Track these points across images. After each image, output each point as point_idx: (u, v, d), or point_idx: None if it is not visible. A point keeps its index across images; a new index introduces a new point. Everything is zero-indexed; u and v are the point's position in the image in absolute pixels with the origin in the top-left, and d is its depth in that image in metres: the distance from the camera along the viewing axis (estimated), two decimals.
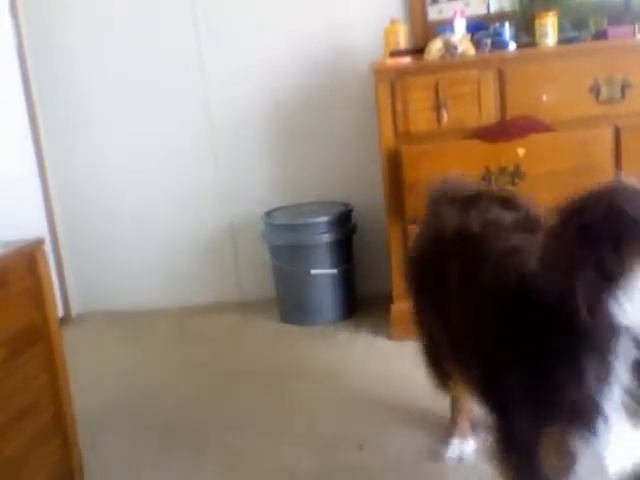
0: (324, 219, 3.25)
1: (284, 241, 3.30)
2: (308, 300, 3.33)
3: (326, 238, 3.25)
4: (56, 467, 2.04)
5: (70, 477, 2.09)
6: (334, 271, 3.30)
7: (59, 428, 2.05)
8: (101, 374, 3.01)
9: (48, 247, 3.51)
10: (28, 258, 1.91)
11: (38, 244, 1.94)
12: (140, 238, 3.78)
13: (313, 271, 3.27)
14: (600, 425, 1.14)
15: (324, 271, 3.28)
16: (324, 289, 3.31)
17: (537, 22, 2.84)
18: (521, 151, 2.72)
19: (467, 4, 3.18)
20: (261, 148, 3.59)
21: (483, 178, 2.75)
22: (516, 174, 2.74)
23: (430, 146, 2.82)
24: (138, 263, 3.81)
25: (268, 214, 3.43)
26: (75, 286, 3.85)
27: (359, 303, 3.41)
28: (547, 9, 2.84)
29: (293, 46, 3.44)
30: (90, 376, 2.86)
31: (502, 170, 2.75)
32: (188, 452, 2.28)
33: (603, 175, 2.71)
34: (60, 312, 3.64)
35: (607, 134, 2.71)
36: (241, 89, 3.54)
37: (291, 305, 3.39)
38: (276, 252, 3.38)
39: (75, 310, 3.85)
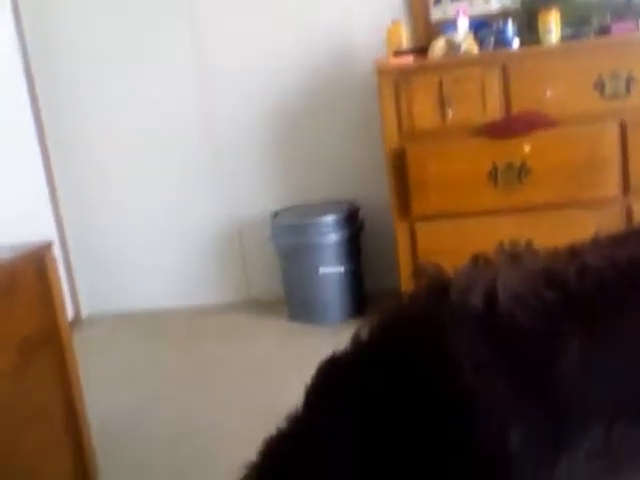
0: (331, 218, 3.26)
1: (291, 241, 3.31)
2: (316, 299, 3.34)
3: (333, 237, 3.26)
4: (70, 470, 2.06)
5: (85, 477, 2.11)
6: (341, 270, 3.31)
7: (72, 431, 2.06)
8: (112, 376, 3.02)
9: (57, 249, 3.54)
10: (37, 262, 1.92)
11: (47, 247, 1.95)
12: (149, 240, 3.80)
13: (321, 270, 3.28)
14: None
15: (332, 270, 3.29)
16: (332, 288, 3.32)
17: (540, 19, 2.84)
18: (527, 147, 2.72)
19: (470, 4, 3.18)
20: (266, 149, 3.60)
21: (489, 175, 2.76)
22: (522, 170, 2.74)
23: (435, 144, 2.83)
24: (147, 265, 3.83)
25: (275, 214, 3.44)
26: (84, 288, 3.88)
27: (367, 301, 3.42)
28: (549, 6, 2.84)
29: (296, 47, 3.44)
30: (101, 378, 2.87)
31: (508, 166, 2.75)
32: (201, 453, 2.30)
33: (609, 170, 2.71)
34: (70, 314, 3.66)
35: (612, 129, 2.70)
36: (245, 90, 3.55)
37: (299, 304, 3.40)
38: (283, 252, 3.39)
39: (85, 312, 3.87)
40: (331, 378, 1.29)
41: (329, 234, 3.25)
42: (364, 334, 1.26)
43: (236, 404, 2.61)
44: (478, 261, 1.29)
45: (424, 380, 1.13)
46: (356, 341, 1.27)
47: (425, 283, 1.25)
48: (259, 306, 3.65)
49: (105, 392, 2.76)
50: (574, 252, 1.24)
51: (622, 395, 1.09)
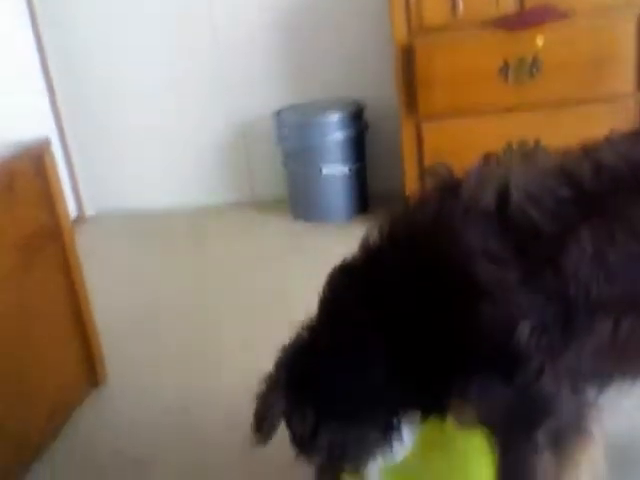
0: (335, 117, 3.18)
1: (295, 140, 3.25)
2: (320, 199, 3.31)
3: (337, 136, 3.19)
4: (78, 367, 2.09)
5: (93, 374, 2.15)
6: (346, 170, 3.26)
7: (79, 329, 2.09)
8: (118, 275, 3.04)
9: (57, 147, 3.48)
10: (36, 160, 1.88)
11: (45, 144, 1.90)
12: (152, 140, 3.73)
13: (325, 170, 3.23)
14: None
15: (335, 170, 3.24)
16: (336, 188, 3.28)
17: None
18: (540, 40, 2.62)
19: None
20: (270, 45, 3.48)
21: (500, 71, 2.67)
22: (534, 65, 2.65)
23: (444, 39, 2.72)
24: (151, 164, 3.78)
25: (278, 113, 3.36)
26: (87, 187, 3.85)
27: (371, 201, 3.39)
28: None
29: None
30: (107, 278, 2.88)
31: (520, 62, 2.65)
32: (206, 350, 2.33)
33: (624, 64, 2.62)
34: (73, 214, 3.65)
35: (628, 22, 2.59)
36: None
37: (303, 204, 3.37)
38: (287, 151, 3.33)
39: (89, 211, 3.86)
40: (344, 287, 1.28)
41: (333, 133, 3.18)
42: (373, 238, 1.24)
43: (240, 304, 2.62)
44: (489, 160, 1.25)
45: (437, 272, 1.12)
46: (365, 246, 1.26)
47: (435, 183, 1.22)
48: (263, 206, 3.62)
49: (110, 290, 2.77)
50: (588, 150, 1.20)
51: (633, 289, 1.08)
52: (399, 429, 1.27)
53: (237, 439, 1.78)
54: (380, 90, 3.31)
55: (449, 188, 1.18)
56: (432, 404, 1.23)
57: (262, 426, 1.28)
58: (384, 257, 1.21)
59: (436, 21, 2.70)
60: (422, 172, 2.87)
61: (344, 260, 1.28)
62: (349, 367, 1.22)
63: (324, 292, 1.30)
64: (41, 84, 3.59)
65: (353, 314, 1.22)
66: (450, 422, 1.25)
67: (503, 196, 1.11)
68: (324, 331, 1.28)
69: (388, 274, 1.19)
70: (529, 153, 1.30)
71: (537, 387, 1.09)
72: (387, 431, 1.27)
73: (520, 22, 2.62)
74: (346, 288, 1.27)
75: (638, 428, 1.63)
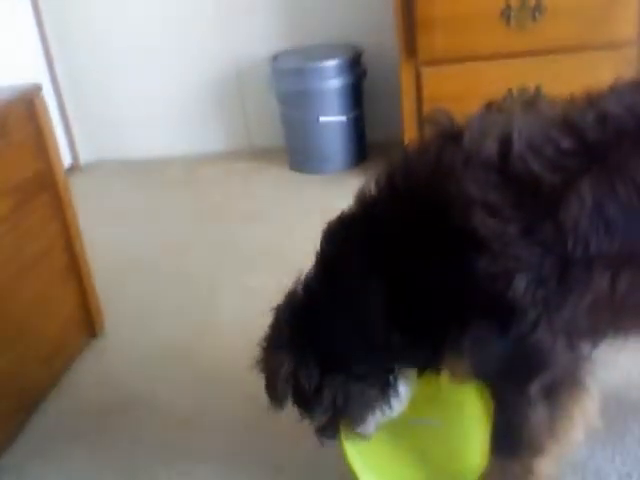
0: (332, 63, 3.12)
1: (291, 86, 3.19)
2: (317, 148, 3.27)
3: (335, 83, 3.13)
4: (74, 312, 2.09)
5: (90, 324, 2.16)
6: (343, 118, 3.21)
7: (74, 273, 2.08)
8: (112, 222, 3.02)
9: (50, 94, 3.42)
10: (27, 106, 1.85)
11: (36, 90, 1.86)
12: (146, 86, 3.67)
13: (322, 118, 3.18)
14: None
15: (333, 118, 3.19)
16: (333, 136, 3.24)
17: None
18: None
19: None
20: None
21: (502, 14, 2.61)
22: (537, 8, 2.58)
23: None
24: (146, 112, 3.72)
25: (274, 58, 3.30)
26: (82, 134, 3.79)
27: (369, 150, 3.35)
28: None
29: None
30: (103, 227, 2.86)
31: (522, 4, 2.59)
32: (204, 299, 2.33)
33: (627, 9, 2.56)
34: (68, 161, 3.61)
35: None
36: None
37: (300, 153, 3.33)
38: (283, 98, 3.28)
39: (84, 159, 3.81)
40: (342, 240, 1.26)
41: (331, 79, 3.12)
42: (371, 188, 1.22)
43: (237, 254, 2.61)
44: (491, 108, 1.21)
45: (436, 223, 1.10)
46: (362, 198, 1.24)
47: (435, 130, 1.19)
48: (259, 155, 3.58)
49: (105, 239, 2.76)
50: (592, 100, 1.16)
51: (632, 243, 1.06)
52: (396, 385, 1.28)
53: (237, 385, 1.81)
54: (378, 35, 3.24)
55: (450, 136, 1.15)
56: (429, 358, 1.23)
57: (275, 391, 1.29)
58: (383, 208, 1.19)
59: None
60: (421, 119, 2.82)
61: (341, 213, 1.26)
62: (349, 320, 1.21)
63: (321, 246, 1.28)
64: (33, 30, 3.50)
65: (352, 267, 1.21)
66: (445, 377, 1.25)
67: (505, 147, 1.08)
68: (323, 286, 1.27)
69: (387, 226, 1.17)
70: (531, 101, 1.25)
71: (532, 340, 1.09)
72: (385, 387, 1.28)
73: None
74: (344, 241, 1.25)
75: (632, 382, 1.64)
